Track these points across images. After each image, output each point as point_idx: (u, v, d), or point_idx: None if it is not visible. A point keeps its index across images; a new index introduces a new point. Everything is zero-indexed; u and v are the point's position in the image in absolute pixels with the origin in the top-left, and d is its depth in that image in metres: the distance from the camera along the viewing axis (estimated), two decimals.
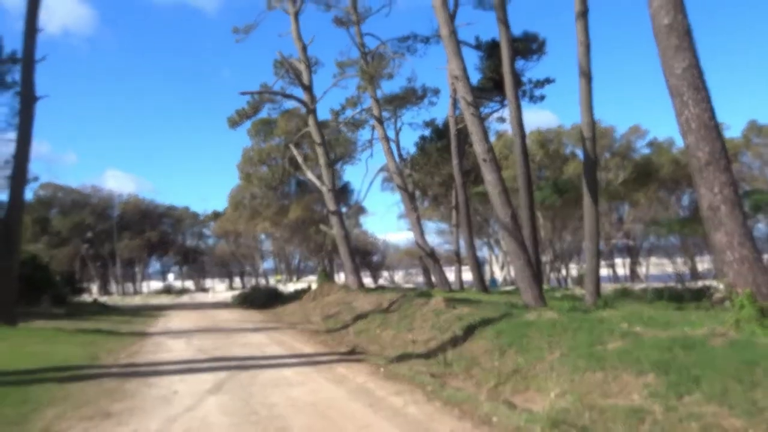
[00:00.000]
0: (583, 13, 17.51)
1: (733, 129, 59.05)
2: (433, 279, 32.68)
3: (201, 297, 55.80)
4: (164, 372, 9.81)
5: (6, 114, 24.43)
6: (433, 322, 12.41)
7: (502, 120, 36.04)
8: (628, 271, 56.20)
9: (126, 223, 70.24)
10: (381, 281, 62.76)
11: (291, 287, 42.49)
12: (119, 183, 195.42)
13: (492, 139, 32.96)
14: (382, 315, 15.36)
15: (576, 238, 50.41)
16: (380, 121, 32.05)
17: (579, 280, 36.69)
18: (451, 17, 16.49)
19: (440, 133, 37.75)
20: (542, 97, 32.61)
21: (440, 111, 76.54)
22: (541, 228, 43.18)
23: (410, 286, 44.71)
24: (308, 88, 27.84)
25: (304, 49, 28.08)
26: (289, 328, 18.05)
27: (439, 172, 40.58)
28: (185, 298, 53.03)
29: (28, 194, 50.06)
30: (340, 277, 46.95)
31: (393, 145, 34.13)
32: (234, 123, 31.46)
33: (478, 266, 31.13)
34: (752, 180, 47.07)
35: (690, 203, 48.29)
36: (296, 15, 28.24)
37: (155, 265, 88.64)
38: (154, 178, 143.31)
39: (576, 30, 17.67)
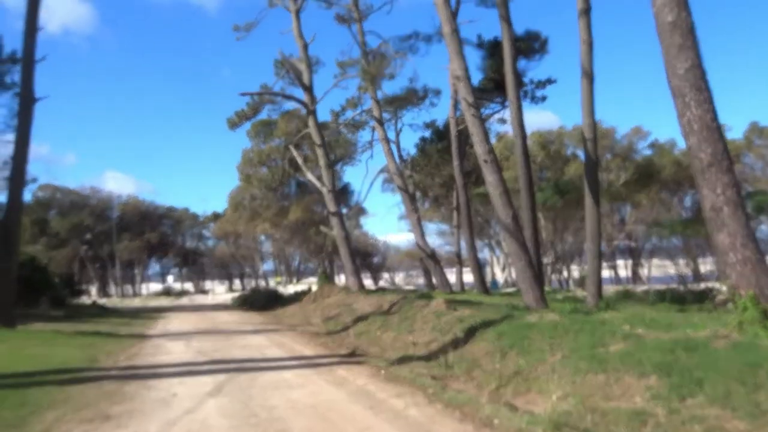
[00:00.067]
0: (586, 11, 17.48)
1: (735, 130, 59.03)
2: (434, 280, 32.66)
3: (200, 299, 55.79)
4: (163, 374, 9.81)
5: (5, 115, 24.54)
6: (433, 323, 12.42)
7: (503, 121, 36.10)
8: (630, 273, 56.17)
9: (125, 225, 70.26)
10: (381, 283, 62.72)
11: (291, 289, 42.49)
12: (118, 184, 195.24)
13: (493, 140, 33.05)
14: (383, 317, 15.36)
15: (577, 240, 50.35)
16: (381, 122, 32.05)
17: (580, 282, 36.71)
18: (454, 15, 16.45)
19: (441, 134, 37.76)
20: (544, 98, 32.64)
21: (441, 112, 76.49)
22: (542, 229, 43.16)
23: (411, 287, 44.71)
24: (309, 89, 27.84)
25: (306, 47, 28.06)
26: (289, 330, 18.05)
27: (440, 173, 40.59)
28: (185, 300, 53.03)
29: (27, 195, 50.21)
30: (341, 279, 46.93)
31: (393, 147, 34.18)
32: (233, 124, 31.55)
33: (479, 268, 31.12)
34: (754, 181, 47.05)
35: (692, 204, 48.30)
36: (297, 12, 28.22)
37: (155, 267, 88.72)
38: (154, 179, 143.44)
39: (578, 28, 17.64)
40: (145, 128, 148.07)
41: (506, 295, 25.50)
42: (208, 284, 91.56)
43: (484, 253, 58.91)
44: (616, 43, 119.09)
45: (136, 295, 72.63)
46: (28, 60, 18.05)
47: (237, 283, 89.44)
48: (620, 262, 58.67)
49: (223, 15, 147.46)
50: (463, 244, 35.10)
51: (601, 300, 17.11)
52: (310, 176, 30.84)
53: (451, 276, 34.83)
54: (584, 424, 5.81)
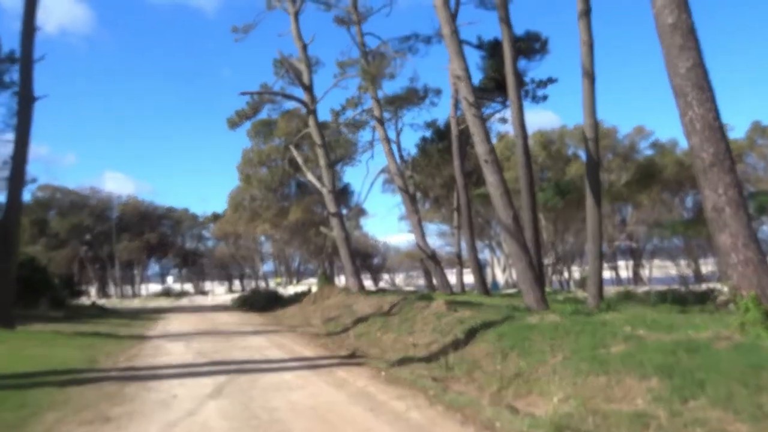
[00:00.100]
0: (586, 12, 17.49)
1: (737, 130, 59.10)
2: (435, 282, 32.64)
3: (200, 300, 55.82)
4: (164, 376, 9.81)
5: (4, 114, 24.57)
6: (434, 325, 12.42)
7: (503, 121, 36.07)
8: (631, 274, 56.14)
9: (125, 225, 70.27)
10: (382, 284, 62.72)
11: (291, 290, 42.50)
12: (118, 184, 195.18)
13: (494, 140, 33.01)
14: (383, 318, 15.36)
15: (578, 240, 50.28)
16: (381, 121, 32.03)
17: (581, 283, 36.68)
18: (453, 16, 16.47)
19: (441, 134, 37.76)
20: (545, 98, 32.65)
21: (442, 112, 76.46)
22: (543, 230, 43.15)
23: (411, 288, 44.71)
24: (308, 89, 27.85)
25: (305, 48, 28.08)
26: (289, 331, 18.05)
27: (441, 174, 40.60)
28: (184, 301, 53.06)
29: (27, 196, 50.27)
30: (341, 280, 46.92)
31: (394, 147, 34.17)
32: (233, 124, 31.53)
33: (479, 269, 31.10)
34: (757, 181, 47.03)
35: (694, 205, 48.27)
36: (296, 15, 28.25)
37: (154, 268, 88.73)
38: (154, 179, 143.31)
39: (579, 29, 17.65)
40: (145, 128, 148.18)
41: (507, 296, 25.50)
42: (207, 285, 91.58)
43: (485, 254, 58.92)
44: (618, 43, 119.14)
45: (135, 295, 72.65)
46: (26, 59, 18.06)
47: (237, 283, 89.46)
48: (621, 263, 58.64)
49: (222, 16, 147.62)
50: (464, 245, 35.09)
51: (602, 301, 17.10)
52: (310, 176, 30.84)
53: (452, 277, 34.81)
54: (585, 427, 5.81)
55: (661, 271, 55.53)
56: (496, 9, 21.34)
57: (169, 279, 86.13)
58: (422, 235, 31.65)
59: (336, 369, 10.12)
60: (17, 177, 17.70)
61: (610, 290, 25.55)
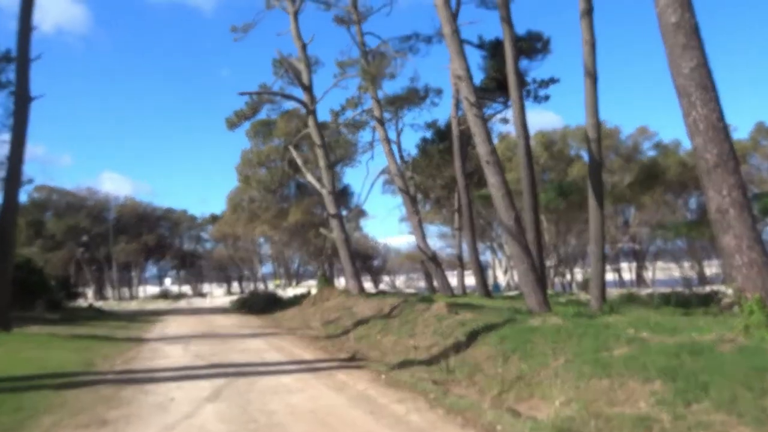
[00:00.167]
0: (588, 11, 17.51)
1: (741, 131, 59.04)
2: (435, 284, 32.66)
3: (198, 302, 55.84)
4: (161, 379, 9.80)
5: (0, 114, 24.55)
6: (435, 327, 12.41)
7: (505, 121, 36.08)
8: (634, 276, 56.15)
9: (122, 227, 70.26)
10: (382, 286, 62.76)
11: (290, 292, 42.49)
12: (115, 185, 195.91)
13: (495, 140, 33.02)
14: (383, 320, 15.36)
15: (581, 242, 50.35)
16: (381, 122, 32.05)
17: (584, 285, 36.66)
18: (454, 16, 16.47)
19: (442, 134, 37.77)
20: (547, 98, 32.65)
21: (442, 112, 76.39)
22: (545, 231, 43.16)
23: (412, 290, 44.72)
24: (308, 89, 27.87)
25: (304, 48, 28.10)
26: (288, 333, 18.05)
27: (441, 175, 40.59)
28: (182, 303, 53.08)
29: (23, 197, 50.16)
30: (341, 282, 46.90)
31: (394, 147, 34.20)
32: (232, 124, 31.55)
33: (481, 270, 31.10)
34: (761, 182, 47.05)
35: (697, 206, 48.30)
36: (296, 14, 28.28)
37: (152, 270, 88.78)
38: (151, 180, 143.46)
39: (581, 28, 17.67)
40: (143, 129, 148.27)
41: (508, 299, 25.50)
42: (206, 287, 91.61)
43: (486, 256, 58.98)
44: (620, 43, 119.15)
45: (133, 297, 72.67)
46: (22, 59, 18.06)
47: (235, 285, 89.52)
48: (624, 265, 58.65)
49: (220, 15, 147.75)
50: (465, 247, 35.10)
51: (604, 303, 17.09)
52: (310, 177, 30.85)
53: (453, 279, 34.84)
54: (588, 430, 5.80)
55: (664, 273, 55.58)
56: (498, 8, 21.36)
57: (167, 281, 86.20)
58: (423, 236, 31.67)
59: (336, 372, 10.12)
60: (13, 177, 17.70)
61: (612, 292, 25.54)
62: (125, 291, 78.11)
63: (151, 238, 72.68)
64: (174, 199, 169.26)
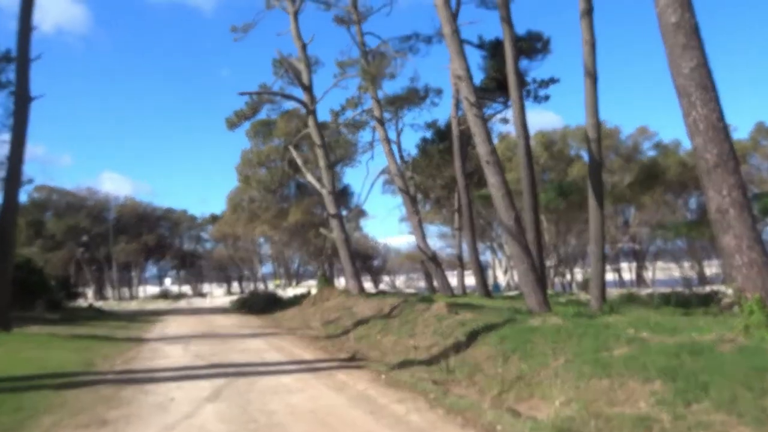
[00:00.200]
0: (588, 11, 17.51)
1: (741, 131, 59.05)
2: (435, 284, 32.66)
3: (198, 302, 55.85)
4: (161, 379, 9.81)
5: (0, 114, 24.55)
6: (435, 327, 12.41)
7: (505, 121, 36.08)
8: (634, 276, 56.17)
9: (122, 227, 70.27)
10: (382, 286, 62.77)
11: (290, 292, 42.51)
12: (115, 185, 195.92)
13: (495, 140, 33.02)
14: (383, 320, 15.36)
15: (581, 242, 50.36)
16: (381, 122, 32.05)
17: (584, 285, 36.68)
18: (454, 16, 16.48)
19: (442, 134, 37.78)
20: (547, 97, 32.65)
21: (442, 112, 76.37)
22: (545, 231, 43.17)
23: (412, 290, 44.72)
24: (308, 89, 27.87)
25: (304, 48, 28.10)
26: (288, 333, 18.06)
27: (441, 175, 40.59)
28: (182, 303, 53.09)
29: (23, 197, 50.18)
30: (341, 282, 46.91)
31: (394, 147, 34.20)
32: (232, 124, 31.55)
33: (481, 270, 31.10)
34: (761, 182, 47.06)
35: (697, 206, 48.31)
36: (296, 14, 28.29)
37: (152, 270, 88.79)
38: (152, 180, 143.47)
39: (581, 28, 17.67)
40: (143, 129, 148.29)
41: (508, 299, 25.51)
42: (206, 287, 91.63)
43: (486, 256, 59.00)
44: (620, 43, 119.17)
45: (133, 298, 72.68)
46: (22, 59, 18.06)
47: (235, 285, 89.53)
48: (624, 265, 58.68)
49: (220, 15, 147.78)
50: (465, 247, 35.10)
51: (604, 303, 17.09)
52: (310, 177, 30.86)
53: (453, 279, 34.84)
54: (588, 430, 5.80)
55: (664, 273, 55.59)
56: (498, 8, 21.36)
57: (167, 281, 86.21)
58: (423, 236, 31.67)
59: (336, 372, 10.12)
60: (13, 177, 17.70)
61: (612, 292, 25.54)
62: (125, 291, 78.13)
63: (151, 238, 72.68)
64: (174, 199, 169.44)
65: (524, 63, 30.78)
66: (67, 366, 10.91)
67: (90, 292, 64.59)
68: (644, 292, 27.67)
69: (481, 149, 14.63)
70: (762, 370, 5.73)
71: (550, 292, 27.23)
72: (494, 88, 31.06)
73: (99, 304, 44.06)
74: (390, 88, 69.78)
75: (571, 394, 6.84)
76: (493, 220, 48.54)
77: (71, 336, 16.26)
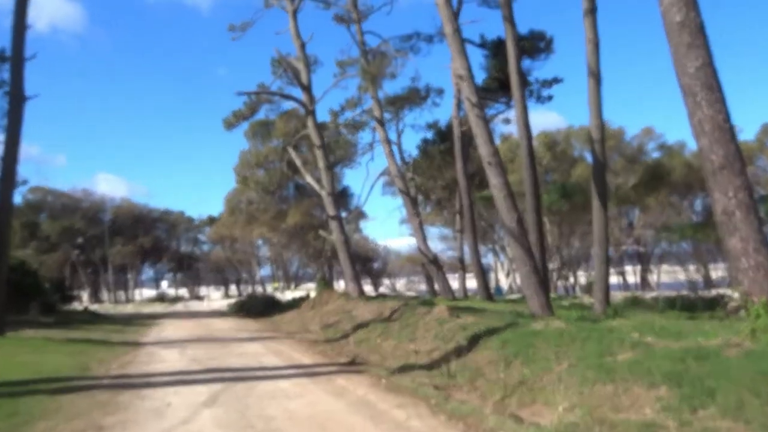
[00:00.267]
0: (591, 10, 17.51)
1: (747, 132, 59.06)
2: (436, 287, 32.66)
3: (195, 305, 55.85)
4: (157, 383, 9.80)
5: None
6: (436, 331, 12.41)
7: (507, 121, 36.16)
8: (638, 279, 56.18)
9: (118, 229, 70.31)
10: (382, 289, 62.81)
11: (289, 295, 42.52)
12: (111, 186, 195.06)
13: (497, 141, 33.05)
14: (384, 324, 15.35)
15: (584, 245, 50.42)
16: (381, 122, 32.05)
17: (587, 288, 36.68)
18: (455, 15, 16.50)
19: (443, 135, 37.79)
20: (550, 98, 32.66)
21: (444, 112, 76.46)
22: (548, 234, 43.19)
23: (412, 294, 44.68)
24: (307, 88, 27.88)
25: (303, 47, 28.11)
26: (286, 337, 18.05)
27: (443, 176, 40.61)
28: (179, 307, 53.10)
29: (17, 198, 50.25)
30: (340, 285, 46.91)
31: (395, 148, 34.15)
32: (230, 125, 31.59)
33: (482, 273, 31.09)
34: (767, 184, 47.09)
35: (703, 208, 48.33)
36: (295, 13, 28.30)
37: (148, 272, 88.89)
38: (148, 181, 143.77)
39: (584, 27, 17.68)
40: (139, 129, 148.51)
41: (510, 302, 25.48)
42: (203, 290, 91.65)
43: (488, 259, 59.04)
44: (624, 42, 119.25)
45: (129, 301, 72.67)
46: (17, 58, 18.08)
47: (233, 288, 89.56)
48: (629, 268, 58.70)
49: (218, 14, 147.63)
50: (467, 249, 35.05)
51: (608, 307, 17.07)
52: (309, 179, 30.86)
53: (454, 282, 34.83)
54: None
55: (669, 276, 55.60)
56: (500, 7, 21.35)
57: (164, 284, 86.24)
58: (424, 238, 31.66)
59: (335, 377, 10.11)
60: (8, 178, 17.71)
61: (617, 296, 25.52)
62: (121, 294, 78.14)
63: (147, 240, 72.76)
64: (171, 201, 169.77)
65: (527, 63, 30.82)
66: (63, 370, 10.91)
67: (85, 295, 64.61)
68: (649, 295, 27.64)
69: (483, 150, 14.63)
70: None
71: (553, 295, 27.22)
72: (496, 88, 31.08)
73: (94, 307, 44.09)
74: (390, 88, 69.97)
75: (574, 399, 6.83)
76: (495, 222, 48.55)
77: (66, 340, 16.25)
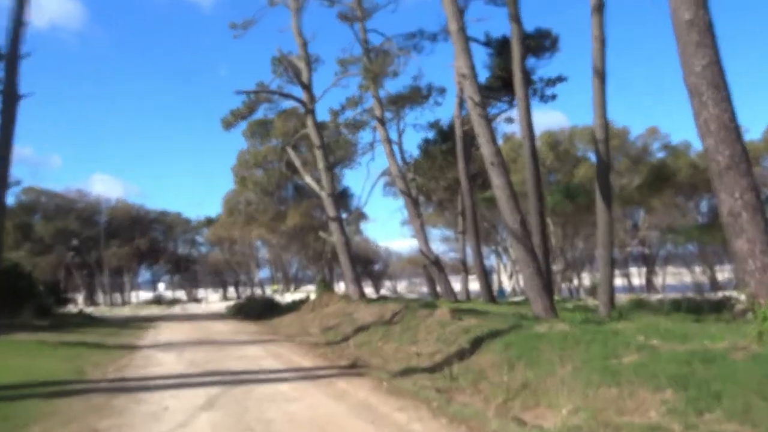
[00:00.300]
0: (599, 8, 17.54)
1: (753, 131, 59.10)
2: (438, 289, 32.67)
3: (193, 308, 55.83)
4: (154, 387, 9.80)
5: None
6: (438, 334, 12.42)
7: (510, 121, 36.10)
8: (643, 281, 56.18)
9: (114, 230, 70.27)
10: (383, 291, 62.83)
11: (288, 297, 42.50)
12: (106, 187, 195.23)
13: (500, 141, 33.02)
14: (385, 327, 15.36)
15: (588, 246, 50.35)
16: (382, 122, 32.08)
17: (592, 291, 36.68)
18: (461, 12, 16.51)
19: (445, 135, 37.78)
20: (554, 97, 32.64)
21: (445, 112, 76.66)
22: (551, 235, 43.17)
23: (414, 296, 44.72)
24: (307, 87, 27.89)
25: (305, 45, 28.14)
26: (286, 340, 18.04)
27: (444, 176, 40.59)
28: (176, 309, 53.06)
29: (10, 199, 50.26)
30: (340, 287, 46.96)
31: (395, 148, 34.21)
32: (228, 124, 31.59)
33: (485, 275, 31.11)
34: None
35: (709, 209, 48.34)
36: (298, 10, 28.34)
37: (145, 275, 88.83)
38: (144, 182, 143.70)
39: (591, 25, 17.70)
40: (135, 129, 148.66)
41: (514, 304, 25.50)
42: (201, 292, 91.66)
43: (491, 260, 59.10)
44: (630, 42, 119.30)
45: (125, 303, 72.68)
46: (12, 55, 18.12)
47: (231, 291, 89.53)
48: (633, 270, 58.71)
49: (219, 12, 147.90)
50: (469, 251, 35.10)
51: (613, 309, 17.10)
52: (309, 179, 30.86)
53: (456, 284, 34.88)
54: None
55: (675, 278, 55.63)
56: (506, 5, 21.38)
57: (161, 286, 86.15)
58: (425, 240, 31.69)
59: (336, 380, 10.11)
60: (1, 179, 17.74)
61: (621, 298, 25.53)
62: (117, 296, 78.12)
63: (143, 241, 72.72)
64: (168, 202, 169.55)
65: (531, 61, 30.81)
66: (57, 374, 10.91)
67: (80, 298, 64.52)
68: (654, 297, 27.67)
69: (486, 150, 14.65)
70: None
71: (556, 297, 27.24)
72: (499, 87, 31.09)
73: (90, 310, 44.01)
74: (392, 86, 70.02)
75: (578, 402, 6.84)
76: (497, 223, 48.57)
77: (61, 343, 16.22)
